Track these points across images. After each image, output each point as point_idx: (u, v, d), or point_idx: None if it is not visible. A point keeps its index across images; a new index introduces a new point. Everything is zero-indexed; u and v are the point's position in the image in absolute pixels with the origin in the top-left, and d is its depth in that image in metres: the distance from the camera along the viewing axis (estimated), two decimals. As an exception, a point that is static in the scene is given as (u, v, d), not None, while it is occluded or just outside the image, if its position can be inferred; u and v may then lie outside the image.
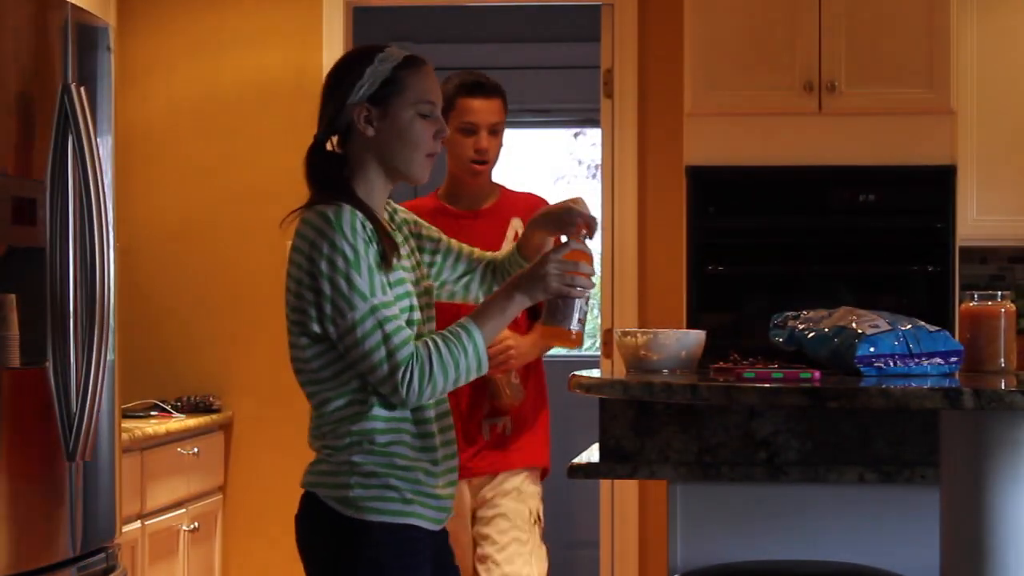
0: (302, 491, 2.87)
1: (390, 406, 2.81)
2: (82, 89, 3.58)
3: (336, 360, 2.81)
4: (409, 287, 2.87)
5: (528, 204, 4.01)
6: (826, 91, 5.15)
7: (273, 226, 5.68)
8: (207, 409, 5.53)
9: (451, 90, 4.05)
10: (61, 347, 3.53)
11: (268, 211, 5.71)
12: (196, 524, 5.20)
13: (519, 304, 2.83)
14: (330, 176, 2.87)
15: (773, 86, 5.18)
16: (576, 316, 2.85)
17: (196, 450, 5.24)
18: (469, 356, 2.78)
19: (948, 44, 5.17)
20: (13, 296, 3.41)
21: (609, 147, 5.74)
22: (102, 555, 3.74)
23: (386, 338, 2.73)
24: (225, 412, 5.64)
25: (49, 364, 3.51)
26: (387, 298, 2.76)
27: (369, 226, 2.78)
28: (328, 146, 2.91)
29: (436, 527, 2.87)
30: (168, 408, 5.37)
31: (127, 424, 4.74)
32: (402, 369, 2.73)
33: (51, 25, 3.56)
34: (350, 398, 2.80)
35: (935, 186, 5.16)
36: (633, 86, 5.69)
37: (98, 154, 3.58)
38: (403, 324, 2.76)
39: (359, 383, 2.80)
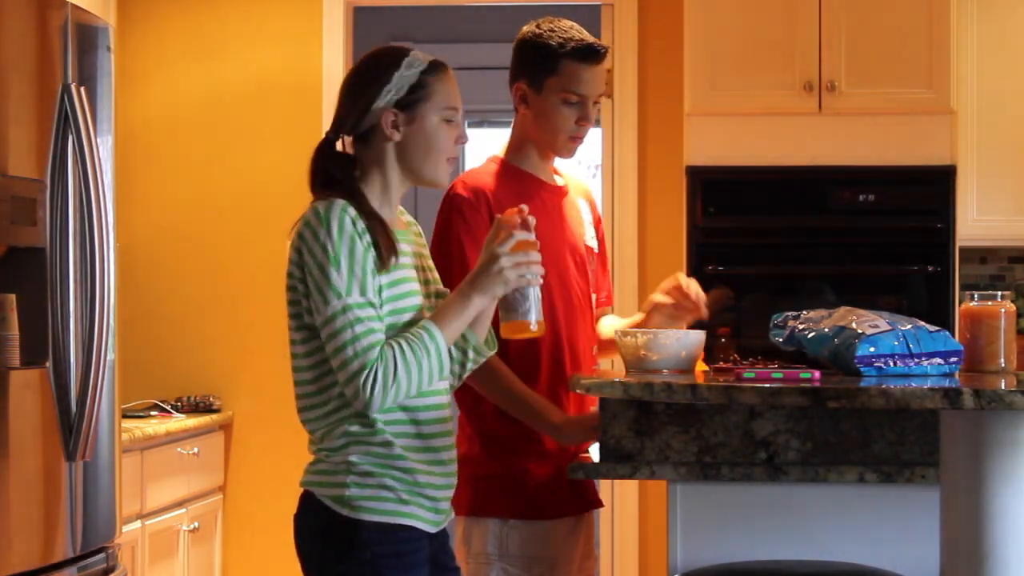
0: (301, 491, 2.87)
1: (405, 408, 2.81)
2: (82, 89, 3.57)
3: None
4: (414, 286, 2.86)
5: (583, 189, 3.66)
6: (826, 91, 5.15)
7: (273, 226, 5.74)
8: (207, 409, 5.53)
9: (555, 50, 3.40)
10: (61, 347, 3.53)
11: (268, 211, 5.74)
12: (196, 524, 5.20)
13: (477, 305, 2.82)
14: (334, 176, 2.86)
15: (773, 86, 5.18)
16: (535, 307, 2.83)
17: (196, 450, 5.24)
18: (432, 359, 2.76)
19: (948, 44, 5.17)
20: (13, 296, 3.41)
21: (609, 147, 5.74)
22: (102, 555, 3.74)
23: (355, 339, 2.72)
24: (225, 412, 5.64)
25: (49, 364, 3.50)
26: (364, 298, 2.74)
27: (361, 224, 2.77)
28: (339, 146, 2.90)
29: (434, 528, 2.86)
30: (168, 408, 5.37)
31: (127, 424, 4.74)
32: (366, 372, 2.71)
33: (51, 25, 3.55)
34: (344, 398, 2.79)
35: (935, 186, 5.16)
36: (633, 86, 5.69)
37: (98, 154, 3.58)
38: (376, 327, 2.74)
39: None
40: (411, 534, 2.81)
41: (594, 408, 3.29)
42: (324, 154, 2.90)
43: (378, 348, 2.72)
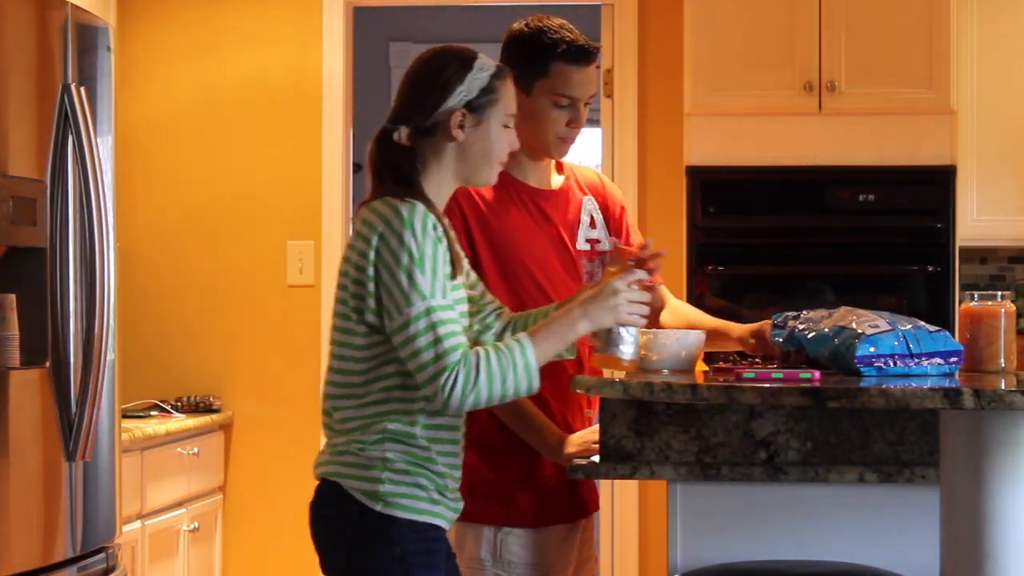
0: (317, 480, 2.88)
1: (432, 410, 2.83)
2: (82, 89, 3.57)
3: (387, 353, 2.81)
4: (464, 293, 2.90)
5: (593, 182, 3.60)
6: (826, 91, 5.15)
7: (272, 225, 5.73)
8: (207, 409, 5.53)
9: (544, 51, 3.32)
10: (61, 347, 3.53)
11: (268, 211, 5.74)
12: (196, 524, 5.20)
13: (581, 330, 2.87)
14: (402, 170, 2.88)
15: (773, 86, 5.18)
16: (634, 346, 2.90)
17: (196, 450, 5.24)
18: (519, 371, 2.79)
19: (948, 44, 5.17)
20: (13, 296, 3.41)
21: (609, 147, 5.74)
22: (102, 555, 3.74)
23: (437, 340, 2.74)
24: (225, 412, 5.64)
25: (49, 364, 3.50)
26: (446, 301, 2.77)
27: (440, 228, 2.81)
28: (394, 137, 2.92)
29: (450, 526, 2.91)
30: (168, 408, 5.37)
31: (127, 424, 4.73)
32: (447, 373, 2.73)
33: (51, 25, 3.55)
34: (393, 394, 2.82)
35: (935, 186, 5.16)
36: (633, 86, 5.69)
37: (98, 154, 3.58)
38: (458, 329, 2.77)
39: (404, 380, 2.82)
40: (437, 533, 2.86)
41: (594, 428, 3.29)
42: (387, 145, 2.92)
43: (460, 350, 2.75)
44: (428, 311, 2.74)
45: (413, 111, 2.90)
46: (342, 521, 2.82)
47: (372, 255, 2.79)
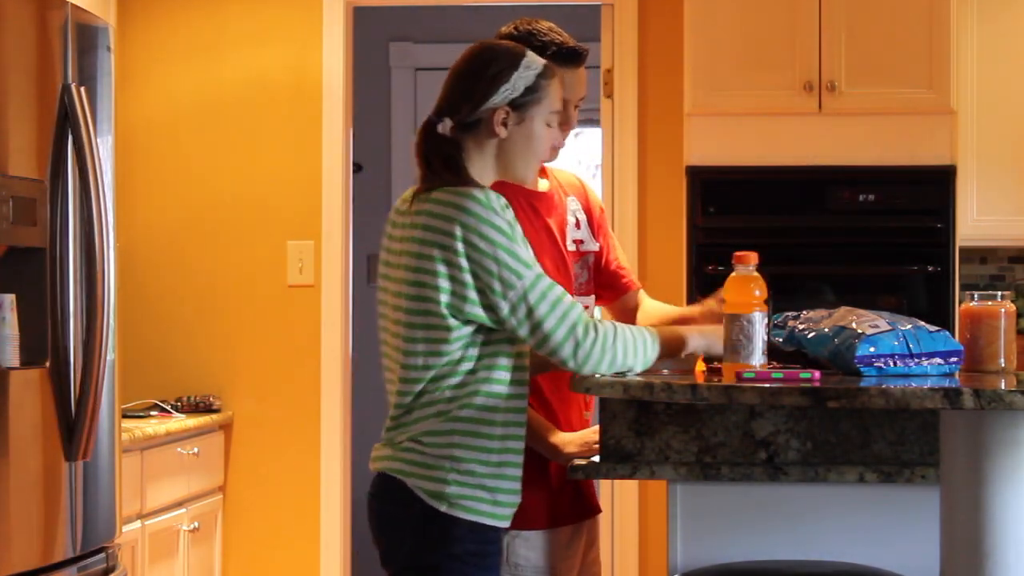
0: (376, 472, 2.92)
1: (509, 399, 2.88)
2: (82, 89, 3.57)
3: (477, 346, 2.86)
4: None
5: (574, 185, 3.57)
6: (826, 91, 5.15)
7: (272, 226, 5.73)
8: (207, 409, 5.53)
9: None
10: (61, 347, 3.53)
11: (268, 211, 5.74)
12: (196, 524, 5.20)
13: (690, 347, 2.97)
14: (453, 160, 2.93)
15: (773, 86, 5.18)
16: (758, 351, 2.90)
17: (196, 450, 5.24)
18: (639, 350, 2.88)
19: (948, 44, 5.17)
20: (13, 296, 3.41)
21: (609, 147, 5.73)
22: (102, 555, 3.74)
23: (558, 301, 2.82)
24: (225, 412, 5.64)
25: (49, 364, 3.50)
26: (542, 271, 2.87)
27: (510, 212, 2.87)
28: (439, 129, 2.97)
29: (508, 524, 2.97)
30: (168, 408, 5.37)
31: (127, 424, 4.73)
32: (581, 328, 2.82)
33: (51, 25, 3.55)
34: (471, 384, 2.86)
35: (935, 186, 5.16)
36: (633, 86, 5.69)
37: (98, 154, 3.58)
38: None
39: (481, 366, 2.86)
40: (496, 534, 2.92)
41: (594, 428, 3.29)
42: (432, 136, 2.96)
43: (579, 307, 2.86)
44: (539, 277, 2.83)
45: (458, 105, 2.95)
46: (404, 518, 2.86)
47: (460, 247, 2.82)
